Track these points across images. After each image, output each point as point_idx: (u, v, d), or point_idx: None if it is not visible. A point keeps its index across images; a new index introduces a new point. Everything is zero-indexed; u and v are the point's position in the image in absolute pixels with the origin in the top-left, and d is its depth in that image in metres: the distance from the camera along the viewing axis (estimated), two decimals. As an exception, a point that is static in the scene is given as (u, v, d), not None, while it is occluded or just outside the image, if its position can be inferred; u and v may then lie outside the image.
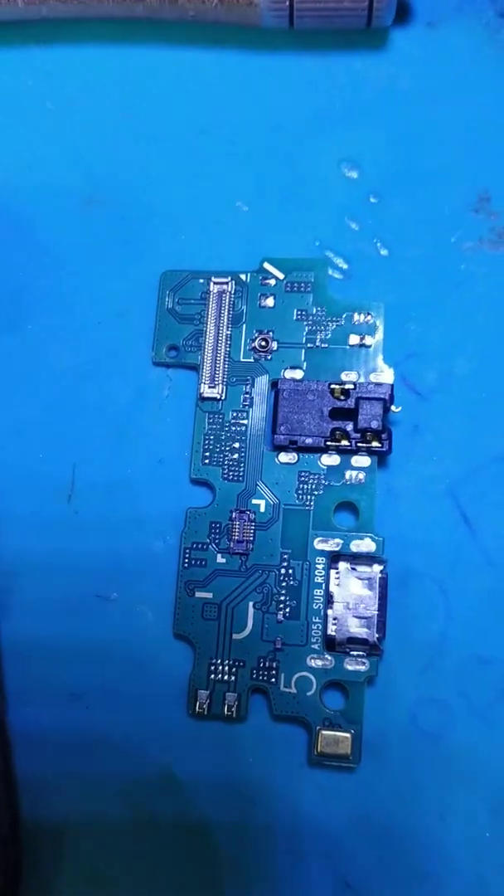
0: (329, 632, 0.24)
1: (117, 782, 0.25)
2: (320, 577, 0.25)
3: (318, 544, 0.25)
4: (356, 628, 0.24)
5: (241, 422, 0.26)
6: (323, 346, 0.26)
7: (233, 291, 0.27)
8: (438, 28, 0.28)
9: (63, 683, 0.26)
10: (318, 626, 0.25)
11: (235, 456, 0.26)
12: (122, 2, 0.28)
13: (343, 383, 0.25)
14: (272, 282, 0.27)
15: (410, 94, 0.28)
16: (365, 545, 0.25)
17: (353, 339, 0.26)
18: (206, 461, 0.26)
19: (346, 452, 0.25)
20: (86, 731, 0.25)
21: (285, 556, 0.25)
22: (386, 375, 0.26)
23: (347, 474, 0.25)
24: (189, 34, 0.29)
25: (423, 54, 0.28)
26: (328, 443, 0.25)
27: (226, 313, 0.27)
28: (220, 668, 0.25)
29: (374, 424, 0.25)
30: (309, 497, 0.25)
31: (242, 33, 0.29)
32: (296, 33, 0.28)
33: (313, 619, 0.25)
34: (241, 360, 0.26)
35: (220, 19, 0.28)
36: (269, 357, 0.26)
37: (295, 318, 0.26)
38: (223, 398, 0.26)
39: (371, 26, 0.27)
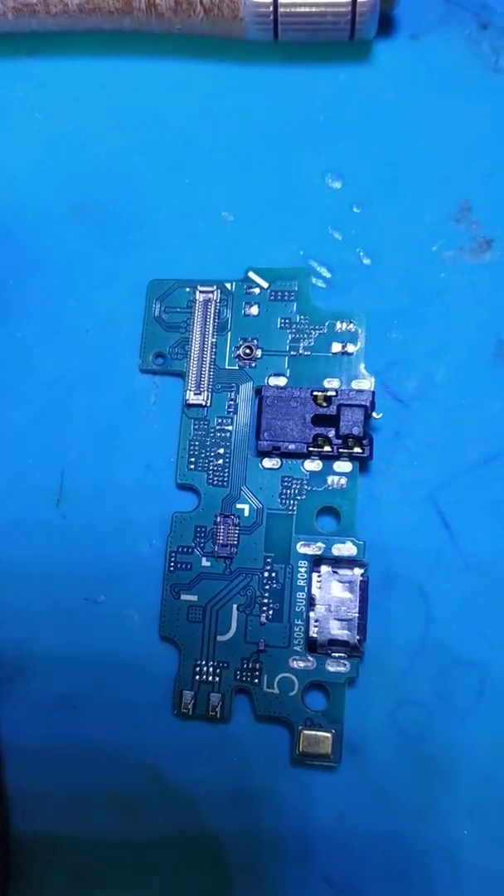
0: (311, 634, 0.25)
1: (105, 783, 0.26)
2: (303, 580, 0.25)
3: (301, 548, 0.26)
4: (337, 630, 0.25)
5: (226, 428, 0.27)
6: (306, 353, 0.27)
7: (218, 300, 0.27)
8: (421, 40, 0.29)
9: (51, 685, 0.26)
10: (300, 629, 0.25)
11: (220, 461, 0.26)
12: (110, 15, 0.28)
13: (325, 390, 0.26)
14: (257, 290, 0.27)
15: (394, 105, 0.29)
16: (346, 549, 0.25)
17: (336, 347, 0.27)
18: (192, 466, 0.27)
19: (328, 458, 0.26)
20: (74, 732, 0.26)
21: (269, 560, 0.26)
22: (367, 383, 0.26)
23: (329, 479, 0.26)
24: (176, 47, 0.29)
25: (406, 66, 0.29)
26: (311, 448, 0.26)
27: (211, 321, 0.27)
28: (205, 669, 0.25)
29: (356, 431, 0.25)
30: (292, 502, 0.26)
31: (228, 46, 0.29)
32: (280, 46, 0.29)
33: (296, 622, 0.25)
34: (227, 367, 0.27)
35: (205, 32, 0.28)
36: (253, 364, 0.27)
37: (279, 326, 0.27)
38: (208, 405, 0.27)
39: (354, 39, 0.28)
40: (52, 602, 0.27)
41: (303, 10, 0.27)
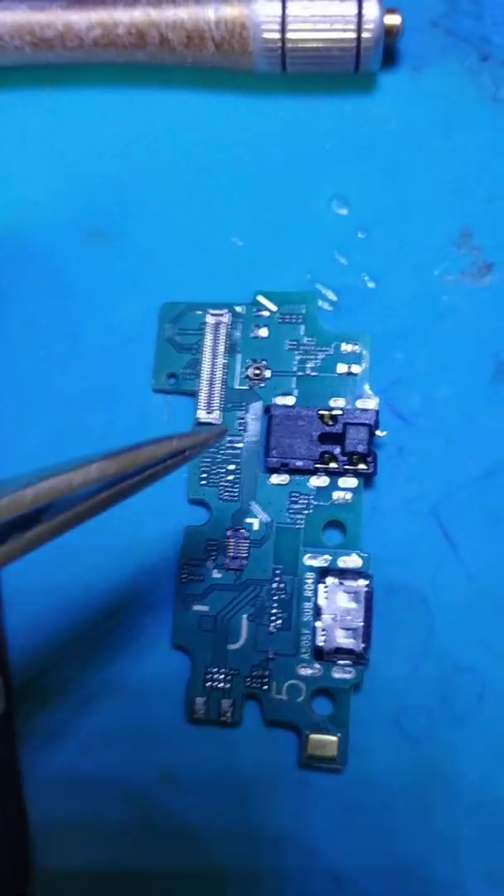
0: (318, 642, 0.26)
1: (120, 784, 0.27)
2: (310, 591, 0.27)
3: (308, 560, 0.27)
4: (343, 639, 0.26)
5: (236, 445, 0.28)
6: (313, 374, 0.28)
7: (229, 322, 0.29)
8: (423, 72, 0.30)
9: (67, 689, 0.27)
10: (307, 637, 0.26)
11: (231, 477, 0.28)
12: (125, 49, 0.30)
13: (331, 409, 0.27)
14: (266, 313, 0.28)
15: (397, 134, 0.30)
16: (352, 561, 0.27)
17: (342, 368, 0.28)
18: (203, 482, 0.28)
19: (334, 474, 0.27)
20: (89, 734, 0.27)
21: (277, 572, 0.27)
22: (371, 402, 0.27)
23: (335, 495, 0.27)
24: (187, 78, 0.31)
25: (408, 97, 0.30)
26: (317, 465, 0.27)
27: (222, 343, 0.28)
28: (216, 676, 0.26)
29: (361, 448, 0.26)
30: (299, 516, 0.27)
31: (238, 77, 0.30)
32: (288, 77, 0.30)
33: (303, 631, 0.26)
34: (237, 387, 0.28)
35: (216, 65, 0.30)
36: (262, 384, 0.28)
37: (287, 347, 0.28)
38: (219, 423, 0.28)
39: (359, 70, 0.29)
40: (70, 613, 0.28)
41: (310, 44, 0.28)
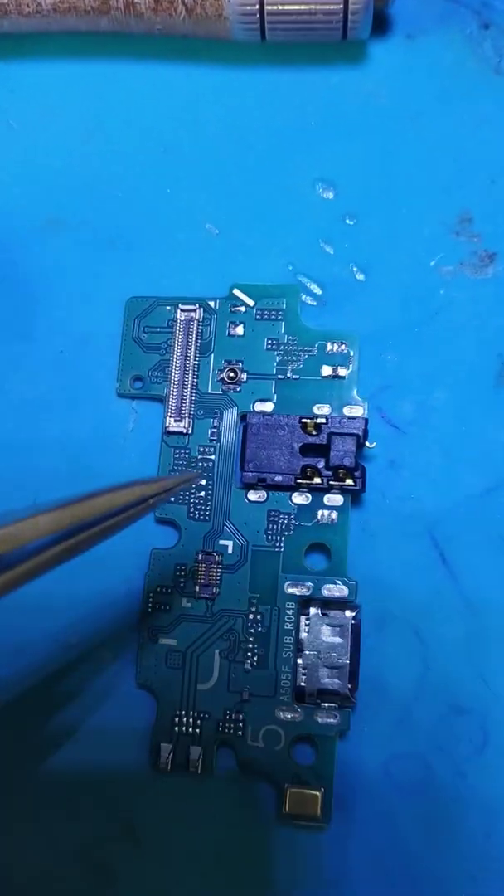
0: (299, 682, 0.23)
1: (77, 837, 0.24)
2: (290, 623, 0.24)
3: (288, 588, 0.24)
4: (327, 679, 0.23)
5: (209, 457, 0.25)
6: (294, 377, 0.25)
7: (201, 319, 0.26)
8: (418, 40, 0.27)
9: (19, 732, 0.24)
10: (287, 676, 0.23)
11: (202, 493, 0.25)
12: (86, 15, 0.27)
13: (315, 417, 0.24)
14: (242, 309, 0.26)
15: (389, 109, 0.27)
16: (337, 590, 0.24)
17: (326, 371, 0.25)
18: (172, 499, 0.25)
19: (317, 490, 0.24)
20: (44, 783, 0.24)
21: (253, 601, 0.24)
22: (360, 409, 0.24)
23: (319, 514, 0.24)
24: (157, 48, 0.28)
25: (402, 68, 0.27)
26: (299, 480, 0.24)
27: (193, 342, 0.26)
28: (185, 720, 0.24)
29: (347, 461, 0.24)
30: (279, 538, 0.24)
31: (212, 47, 0.27)
32: (268, 47, 0.27)
33: (282, 669, 0.23)
34: (209, 391, 0.25)
35: (188, 33, 0.27)
36: (238, 389, 0.25)
37: (265, 347, 0.25)
38: (190, 432, 0.25)
39: (347, 39, 0.26)
40: (20, 643, 0.25)
41: (291, 8, 0.25)
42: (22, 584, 0.16)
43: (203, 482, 0.25)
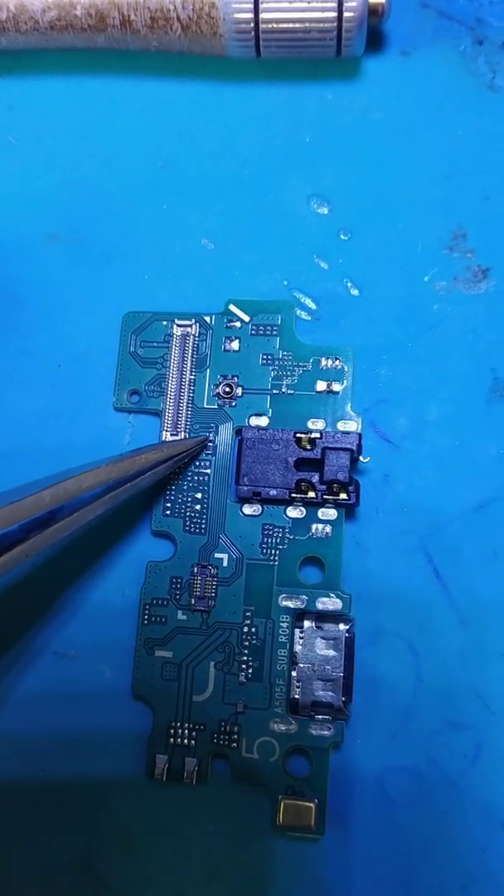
0: (293, 695, 0.23)
1: (73, 847, 0.24)
2: (284, 636, 0.24)
3: (283, 601, 0.24)
4: (321, 691, 0.23)
5: (204, 471, 0.25)
6: (289, 392, 0.25)
7: (197, 334, 0.26)
8: (413, 57, 0.27)
9: (17, 744, 0.25)
10: (281, 689, 0.24)
11: (198, 507, 0.25)
12: (83, 32, 0.27)
13: (309, 432, 0.24)
14: (237, 324, 0.26)
15: (383, 125, 0.27)
16: (331, 603, 0.24)
17: (321, 386, 0.25)
18: (168, 512, 0.25)
19: (312, 504, 0.24)
20: (41, 794, 0.24)
21: (248, 614, 0.24)
22: (354, 424, 0.24)
23: (313, 528, 0.24)
24: (153, 65, 0.28)
25: (396, 84, 0.27)
26: (293, 495, 0.24)
27: (189, 357, 0.26)
28: (180, 731, 0.24)
29: (341, 476, 0.24)
30: (273, 551, 0.24)
31: (208, 64, 0.28)
32: (263, 63, 0.27)
33: (276, 681, 0.24)
34: (205, 406, 0.25)
35: (184, 50, 0.27)
36: (233, 403, 0.25)
37: (260, 362, 0.25)
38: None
39: (342, 55, 0.26)
40: (18, 655, 0.25)
41: (286, 25, 0.26)
42: (81, 526, 0.20)
43: (199, 496, 0.25)
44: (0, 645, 0.25)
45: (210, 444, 0.25)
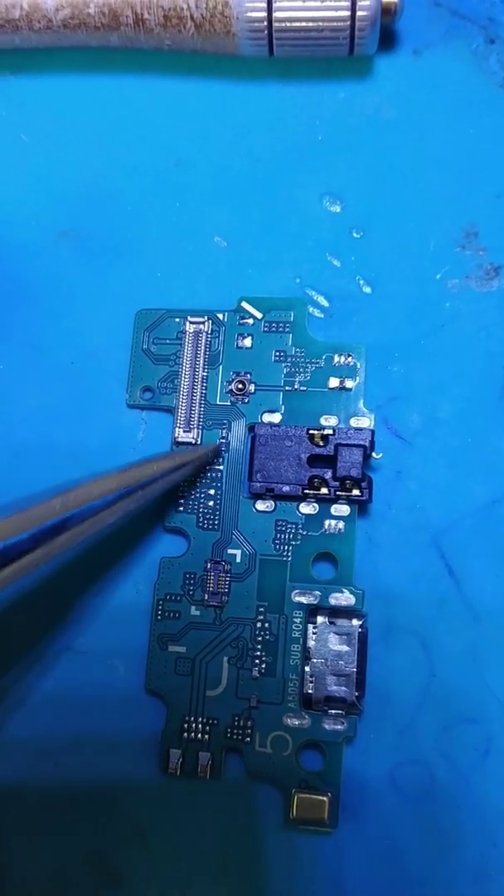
0: (306, 690, 0.23)
1: (87, 841, 0.24)
2: (297, 631, 0.24)
3: (296, 597, 0.24)
4: (334, 686, 0.23)
5: (217, 468, 0.25)
6: (302, 389, 0.25)
7: (209, 331, 0.26)
8: (425, 56, 0.27)
9: (31, 739, 0.25)
10: (294, 684, 0.24)
11: (211, 503, 0.25)
12: (97, 31, 0.27)
13: (322, 428, 0.24)
14: (250, 321, 0.26)
15: (395, 124, 0.27)
16: (344, 598, 0.24)
17: (333, 382, 0.25)
18: (181, 508, 0.25)
19: (325, 501, 0.24)
20: (55, 789, 0.24)
21: (261, 609, 0.24)
22: (366, 420, 0.25)
23: (326, 524, 0.24)
24: (166, 64, 0.28)
25: (408, 83, 0.27)
26: (306, 491, 0.24)
27: (202, 354, 0.26)
28: (194, 726, 0.24)
29: (354, 472, 0.24)
30: (286, 547, 0.24)
31: (221, 62, 0.28)
32: (276, 62, 0.27)
33: (290, 676, 0.24)
34: (218, 402, 0.26)
35: (197, 48, 0.27)
36: (246, 400, 0.25)
37: (273, 359, 0.26)
38: (198, 443, 0.25)
39: (354, 54, 0.26)
40: (32, 650, 0.25)
41: (299, 24, 0.26)
42: (90, 534, 0.20)
43: (212, 492, 0.25)
44: (14, 642, 0.25)
45: (223, 440, 0.25)
